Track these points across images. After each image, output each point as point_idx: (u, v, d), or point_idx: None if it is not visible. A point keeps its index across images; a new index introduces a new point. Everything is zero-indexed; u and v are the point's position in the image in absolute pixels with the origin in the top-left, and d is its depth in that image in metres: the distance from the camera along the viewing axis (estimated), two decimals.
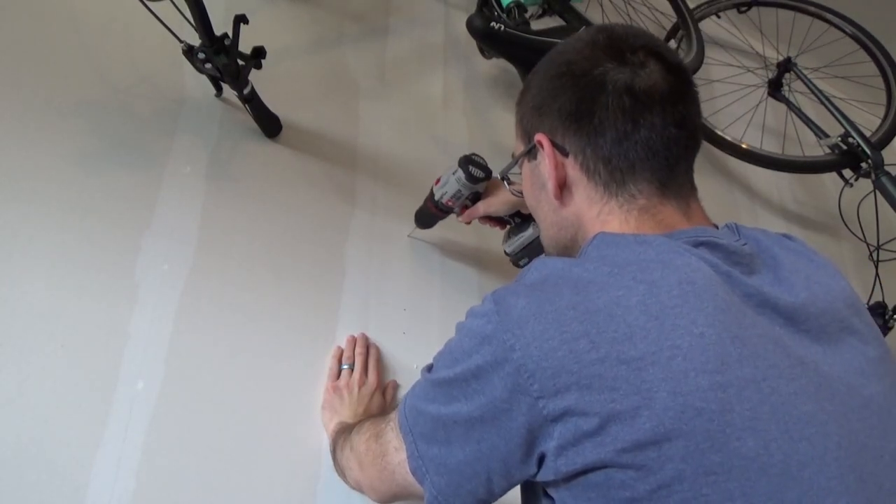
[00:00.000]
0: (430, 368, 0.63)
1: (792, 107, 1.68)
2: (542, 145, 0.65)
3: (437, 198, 1.08)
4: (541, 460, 0.54)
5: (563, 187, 0.65)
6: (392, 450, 0.66)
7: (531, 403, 0.51)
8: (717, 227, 0.65)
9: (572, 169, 0.64)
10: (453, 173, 1.03)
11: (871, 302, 1.42)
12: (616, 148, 0.61)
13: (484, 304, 0.57)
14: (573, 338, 0.50)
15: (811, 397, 0.51)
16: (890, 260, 1.47)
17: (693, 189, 0.66)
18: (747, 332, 0.52)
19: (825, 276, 0.63)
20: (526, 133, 0.69)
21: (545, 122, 0.66)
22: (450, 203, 1.07)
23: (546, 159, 0.65)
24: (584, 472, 0.51)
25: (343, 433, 0.85)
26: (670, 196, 0.63)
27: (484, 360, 0.54)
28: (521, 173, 0.74)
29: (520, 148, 0.72)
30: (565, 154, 0.64)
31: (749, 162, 1.67)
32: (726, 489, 0.47)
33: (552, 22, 1.40)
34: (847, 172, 1.54)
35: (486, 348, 0.54)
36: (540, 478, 0.55)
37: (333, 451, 0.88)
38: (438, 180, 1.08)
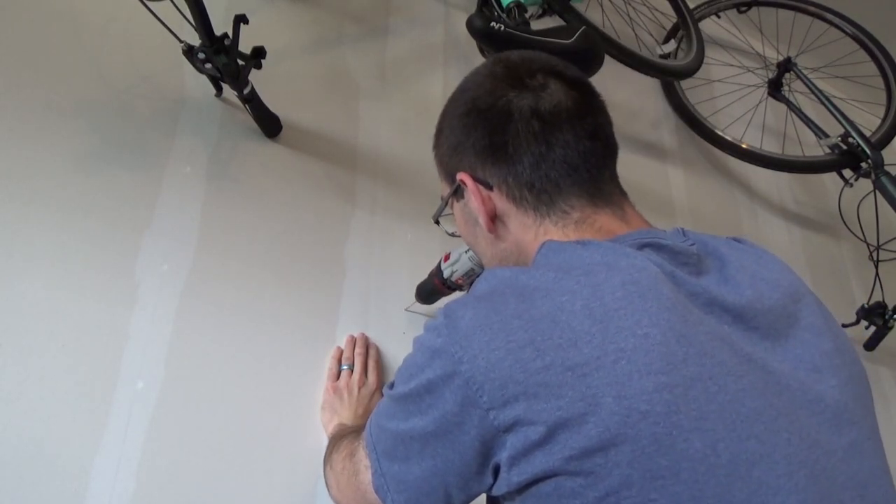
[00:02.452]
0: (391, 385, 0.63)
1: (792, 107, 1.69)
2: (465, 183, 0.66)
3: (445, 275, 1.01)
4: (496, 471, 0.54)
5: (494, 220, 0.66)
6: (363, 468, 0.66)
7: (482, 416, 0.51)
8: (664, 231, 0.65)
9: (499, 201, 0.65)
10: (465, 251, 0.97)
11: (871, 302, 1.42)
12: (535, 172, 0.62)
13: (437, 317, 0.57)
14: (518, 347, 0.50)
15: (759, 394, 0.51)
16: (890, 260, 1.47)
17: (623, 195, 0.66)
18: (693, 329, 0.51)
19: (773, 272, 0.62)
20: (449, 174, 0.70)
21: (464, 161, 0.67)
22: (460, 282, 1.00)
23: (472, 196, 0.66)
24: (535, 481, 0.50)
25: (330, 444, 0.85)
26: (602, 205, 0.63)
27: (435, 374, 0.54)
28: (453, 214, 0.75)
29: (446, 190, 0.72)
30: (489, 187, 0.65)
31: (749, 162, 1.67)
32: (674, 493, 0.47)
33: (552, 22, 1.39)
34: (847, 172, 1.54)
35: (436, 362, 0.54)
36: (495, 492, 0.55)
37: (323, 460, 0.88)
38: (447, 256, 1.01)
